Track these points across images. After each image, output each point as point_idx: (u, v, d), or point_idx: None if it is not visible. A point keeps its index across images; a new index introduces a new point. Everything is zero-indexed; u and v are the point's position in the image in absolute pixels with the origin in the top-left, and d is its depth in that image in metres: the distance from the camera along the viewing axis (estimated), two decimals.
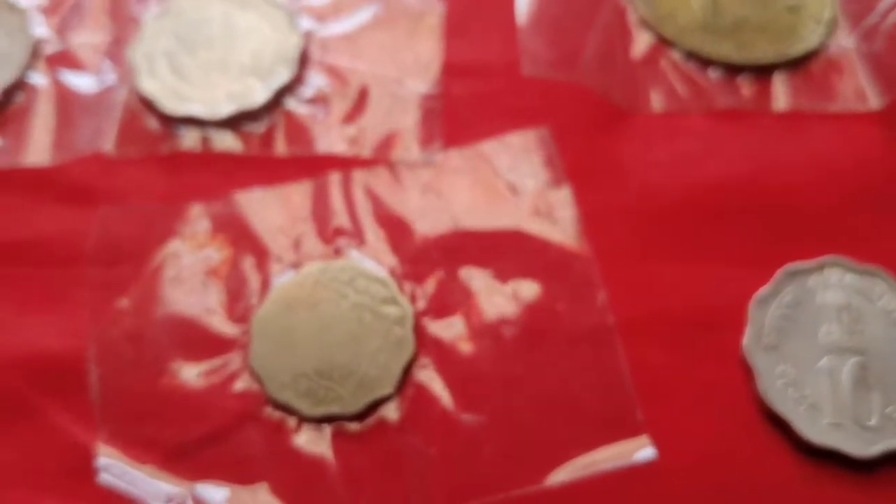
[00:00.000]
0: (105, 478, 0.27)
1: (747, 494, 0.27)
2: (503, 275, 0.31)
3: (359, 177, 0.33)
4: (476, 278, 0.31)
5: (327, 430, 0.28)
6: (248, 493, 0.27)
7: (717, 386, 0.29)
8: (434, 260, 0.31)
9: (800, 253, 0.31)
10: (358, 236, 0.32)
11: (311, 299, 0.30)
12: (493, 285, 0.31)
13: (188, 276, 0.31)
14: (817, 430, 0.28)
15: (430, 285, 0.31)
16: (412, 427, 0.28)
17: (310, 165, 0.34)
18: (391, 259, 0.31)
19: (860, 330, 0.30)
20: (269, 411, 0.29)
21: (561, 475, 0.27)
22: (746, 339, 0.29)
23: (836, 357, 0.29)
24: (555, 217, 0.32)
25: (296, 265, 0.31)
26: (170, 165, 0.34)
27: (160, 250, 0.32)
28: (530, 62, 0.36)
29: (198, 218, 0.32)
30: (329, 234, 0.32)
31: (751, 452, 0.28)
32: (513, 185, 0.33)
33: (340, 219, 0.32)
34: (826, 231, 0.32)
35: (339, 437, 0.28)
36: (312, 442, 0.28)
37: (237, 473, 0.28)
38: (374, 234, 0.32)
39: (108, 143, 0.34)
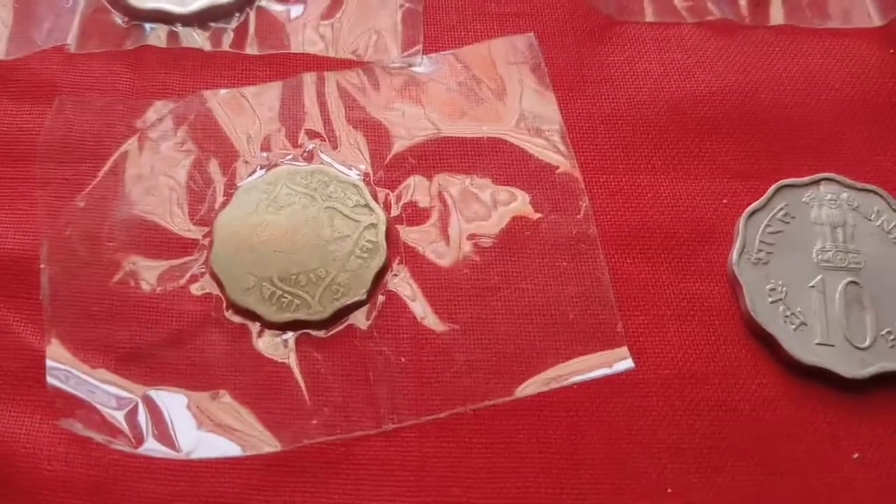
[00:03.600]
0: (53, 382, 0.25)
1: (728, 412, 0.26)
2: (482, 182, 0.29)
3: (333, 78, 0.31)
4: (453, 185, 0.29)
5: (292, 336, 0.26)
6: (207, 399, 0.25)
7: (703, 300, 0.27)
8: (410, 166, 0.29)
9: (792, 169, 0.30)
10: (331, 140, 0.30)
11: (278, 202, 0.28)
12: (470, 193, 0.29)
13: (148, 175, 0.29)
14: (806, 348, 0.26)
15: (405, 192, 0.29)
16: (382, 335, 0.26)
17: (282, 65, 0.32)
18: (365, 164, 0.29)
19: (855, 249, 0.28)
20: (230, 316, 0.27)
21: (533, 386, 0.26)
22: (734, 254, 0.28)
23: (829, 275, 0.27)
24: (539, 127, 0.30)
25: (263, 167, 0.29)
26: (134, 62, 0.32)
27: (119, 147, 0.29)
28: None
29: (161, 115, 0.30)
30: (300, 136, 0.30)
31: (735, 369, 0.26)
32: (495, 92, 0.31)
33: (312, 121, 0.30)
34: (820, 147, 0.30)
35: (304, 344, 0.26)
36: (275, 347, 0.26)
37: (195, 379, 0.26)
38: (347, 137, 0.30)
39: (69, 38, 0.32)
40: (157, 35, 0.32)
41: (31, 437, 0.25)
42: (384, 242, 0.28)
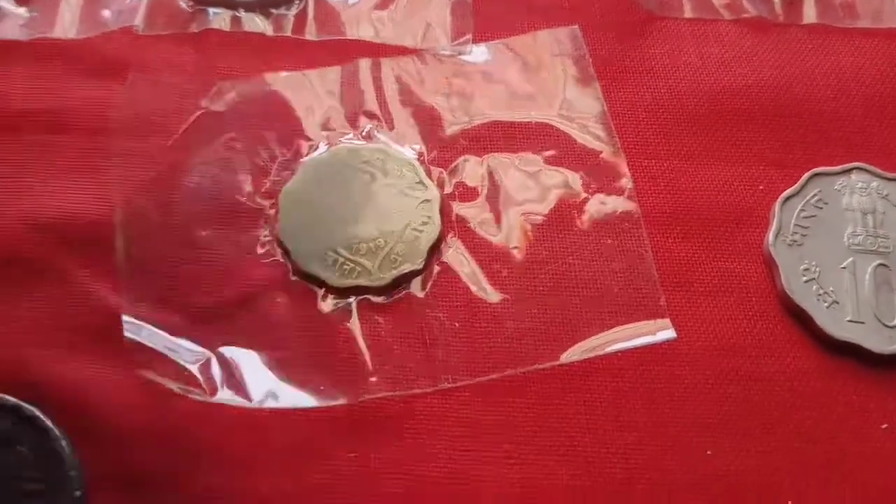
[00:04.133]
0: (130, 336, 0.27)
1: (764, 383, 0.27)
2: (530, 163, 0.31)
3: (388, 64, 0.32)
4: (503, 165, 0.30)
5: (354, 300, 0.28)
6: (279, 355, 0.27)
7: (740, 279, 0.29)
8: (462, 147, 0.31)
9: (825, 159, 0.31)
10: (387, 121, 0.31)
11: (339, 178, 0.30)
12: (519, 172, 0.30)
13: (217, 149, 0.30)
14: (838, 325, 0.27)
15: (458, 170, 0.30)
16: (437, 302, 0.28)
17: (339, 51, 0.33)
18: (419, 144, 0.31)
19: (885, 234, 0.29)
20: (296, 281, 0.28)
21: (578, 353, 0.27)
22: (771, 235, 0.29)
23: (860, 258, 0.29)
24: (582, 114, 0.32)
25: (324, 145, 0.31)
26: (199, 43, 0.33)
27: (186, 122, 0.31)
28: None
29: (225, 93, 0.31)
30: (358, 117, 0.31)
31: (770, 343, 0.28)
32: (542, 80, 0.32)
33: (370, 103, 0.32)
34: (850, 139, 0.32)
35: (365, 308, 0.28)
36: (338, 311, 0.28)
37: (264, 339, 0.27)
38: (403, 120, 0.31)
39: (137, 20, 0.33)
40: (220, 19, 0.34)
41: (113, 389, 0.26)
42: (438, 217, 0.29)
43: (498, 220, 0.29)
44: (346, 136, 0.31)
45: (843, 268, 0.29)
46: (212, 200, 0.29)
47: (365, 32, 0.33)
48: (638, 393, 0.27)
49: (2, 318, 0.27)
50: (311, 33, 0.33)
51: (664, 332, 0.27)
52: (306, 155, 0.30)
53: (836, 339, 0.27)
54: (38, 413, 0.26)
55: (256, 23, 0.33)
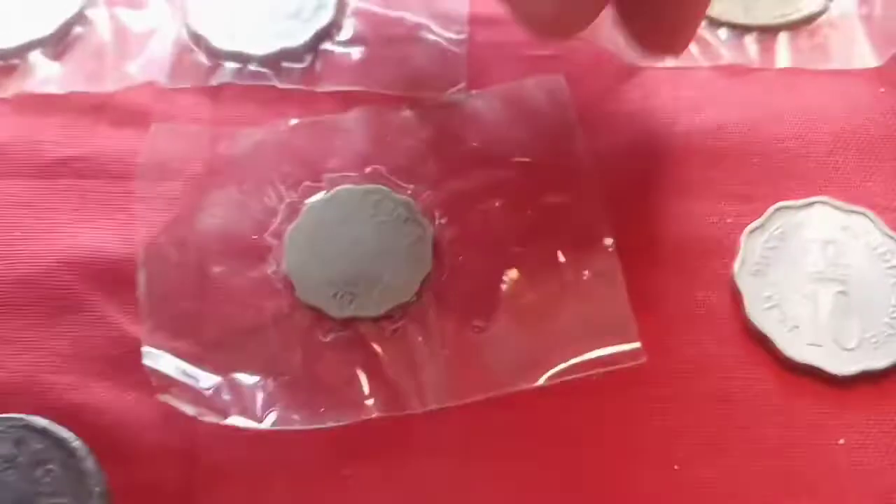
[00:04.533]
0: (148, 364, 0.29)
1: (729, 401, 0.29)
2: (519, 203, 0.33)
3: (385, 112, 0.35)
4: (494, 204, 0.33)
5: (351, 331, 0.30)
6: (284, 382, 0.30)
7: (708, 306, 0.31)
8: (454, 187, 0.33)
9: (788, 193, 0.33)
10: (385, 164, 0.34)
11: (341, 217, 0.32)
12: (508, 211, 0.33)
13: (229, 192, 0.33)
14: (797, 348, 0.29)
15: (450, 209, 0.33)
16: (427, 331, 0.30)
17: (345, 100, 0.36)
18: (414, 184, 0.33)
19: (844, 263, 0.31)
20: (302, 312, 0.31)
21: (554, 375, 0.29)
22: (736, 265, 0.31)
23: (819, 285, 0.31)
24: (566, 158, 0.34)
25: (328, 187, 0.33)
26: (216, 95, 0.36)
27: (205, 167, 0.34)
28: None
29: (239, 140, 0.35)
30: (359, 160, 0.34)
31: (735, 365, 0.30)
32: (527, 125, 0.35)
33: (369, 147, 0.34)
34: (816, 174, 0.34)
35: (362, 338, 0.30)
36: (338, 340, 0.30)
37: (269, 366, 0.30)
38: (399, 162, 0.34)
39: (161, 75, 0.36)
40: (236, 73, 0.37)
41: (134, 411, 0.29)
42: (430, 252, 0.32)
43: (487, 255, 0.32)
44: (348, 178, 0.34)
45: (804, 295, 0.30)
46: (225, 239, 0.32)
47: (367, 84, 0.36)
48: (613, 410, 0.29)
49: (31, 347, 0.30)
50: (319, 85, 0.36)
51: (634, 354, 0.29)
52: (311, 196, 0.33)
53: (797, 362, 0.29)
54: (67, 433, 0.28)
55: (269, 76, 0.36)
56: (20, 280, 0.31)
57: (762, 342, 0.30)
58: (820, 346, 0.29)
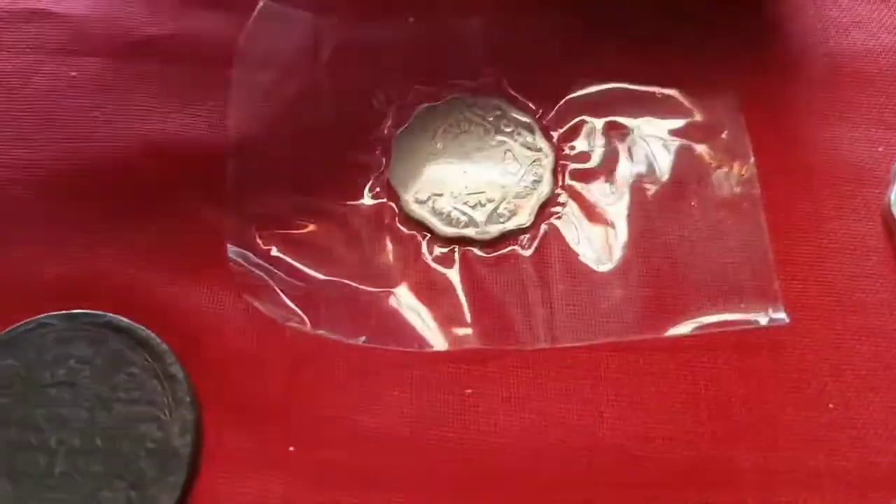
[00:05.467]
0: (234, 262, 0.28)
1: (884, 338, 0.28)
2: (651, 132, 0.31)
3: (510, 21, 0.33)
4: (623, 131, 0.31)
5: (458, 251, 0.29)
6: (382, 295, 0.28)
7: (860, 237, 0.30)
8: (581, 109, 0.31)
9: None
10: (508, 77, 0.32)
11: (455, 128, 0.30)
12: (639, 140, 0.31)
13: (331, 92, 0.31)
14: None
15: (575, 131, 0.31)
16: (542, 262, 0.29)
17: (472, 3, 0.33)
18: (539, 102, 0.31)
19: None
20: (403, 226, 0.29)
21: (684, 328, 0.28)
22: (892, 196, 0.30)
23: None
24: (708, 89, 0.32)
25: (443, 94, 0.31)
26: None
27: (314, 61, 0.32)
28: None
29: (355, 32, 0.32)
30: (480, 70, 0.32)
31: (889, 300, 0.29)
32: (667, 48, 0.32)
33: (493, 57, 0.32)
34: None
35: (468, 259, 0.29)
36: (442, 259, 0.29)
37: (367, 277, 0.28)
38: (524, 77, 0.32)
39: None
40: None
41: (221, 313, 0.28)
42: (550, 177, 0.30)
43: (611, 185, 0.30)
44: (466, 87, 0.31)
45: None
46: (327, 138, 0.30)
47: None
48: (762, 345, 0.28)
49: (111, 240, 0.29)
50: None
51: (777, 314, 0.28)
52: (423, 103, 0.31)
53: None
54: (152, 335, 0.27)
55: None
56: (100, 166, 0.30)
57: None
58: None
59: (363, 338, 0.27)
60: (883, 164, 0.31)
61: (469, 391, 0.27)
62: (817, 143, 0.31)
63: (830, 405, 0.27)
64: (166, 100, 0.31)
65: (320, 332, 0.27)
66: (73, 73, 0.31)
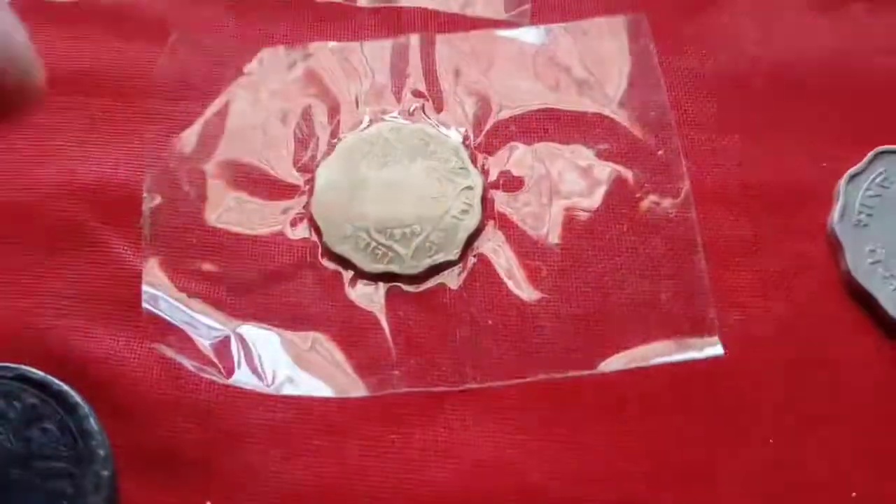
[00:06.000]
0: (148, 307, 0.27)
1: (827, 368, 0.27)
2: (582, 156, 0.30)
3: (441, 41, 0.32)
4: (553, 156, 0.30)
5: (382, 287, 0.28)
6: (298, 339, 0.27)
7: (803, 259, 0.29)
8: (511, 133, 0.30)
9: (887, 137, 0.30)
10: (435, 101, 0.31)
11: (379, 157, 0.30)
12: (570, 165, 0.30)
13: (254, 120, 0.30)
14: None
15: (504, 158, 0.30)
16: (471, 296, 0.28)
17: (391, 19, 0.33)
18: (466, 127, 0.31)
19: None
20: (326, 262, 0.28)
21: (617, 363, 0.27)
22: (835, 215, 0.29)
23: None
24: (644, 108, 0.31)
25: (368, 122, 0.31)
26: (244, 8, 0.33)
27: (227, 89, 0.31)
28: None
29: (268, 62, 0.31)
30: (404, 95, 0.31)
31: (833, 327, 0.28)
32: (602, 69, 0.31)
33: (418, 81, 0.31)
34: None
35: (394, 296, 0.28)
36: (367, 297, 0.28)
37: (287, 319, 0.27)
38: (451, 101, 0.31)
39: None
40: None
41: (136, 362, 0.27)
42: (479, 206, 0.29)
43: (542, 212, 0.29)
44: (391, 114, 0.31)
45: None
46: (245, 172, 0.30)
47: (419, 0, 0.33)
48: (698, 378, 0.27)
49: (26, 288, 0.28)
50: (363, 0, 0.33)
51: (711, 348, 0.27)
52: (348, 130, 0.30)
53: None
54: (65, 388, 0.26)
55: None
56: (15, 210, 0.29)
57: (865, 302, 0.28)
58: None
59: (278, 386, 0.26)
60: (826, 180, 0.30)
61: (394, 437, 0.26)
62: (758, 161, 0.30)
63: (770, 440, 0.26)
64: (86, 135, 0.30)
65: (234, 382, 0.26)
66: None
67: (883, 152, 0.30)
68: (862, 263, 0.28)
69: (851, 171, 0.29)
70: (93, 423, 0.26)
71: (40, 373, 0.26)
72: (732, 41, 0.32)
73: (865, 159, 0.30)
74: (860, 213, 0.29)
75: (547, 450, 0.26)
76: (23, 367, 0.26)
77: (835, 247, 0.29)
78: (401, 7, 0.33)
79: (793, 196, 0.30)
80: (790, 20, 0.33)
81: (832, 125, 0.31)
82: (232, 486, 0.25)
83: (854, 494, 0.26)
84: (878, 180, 0.29)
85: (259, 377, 0.26)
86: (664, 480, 0.26)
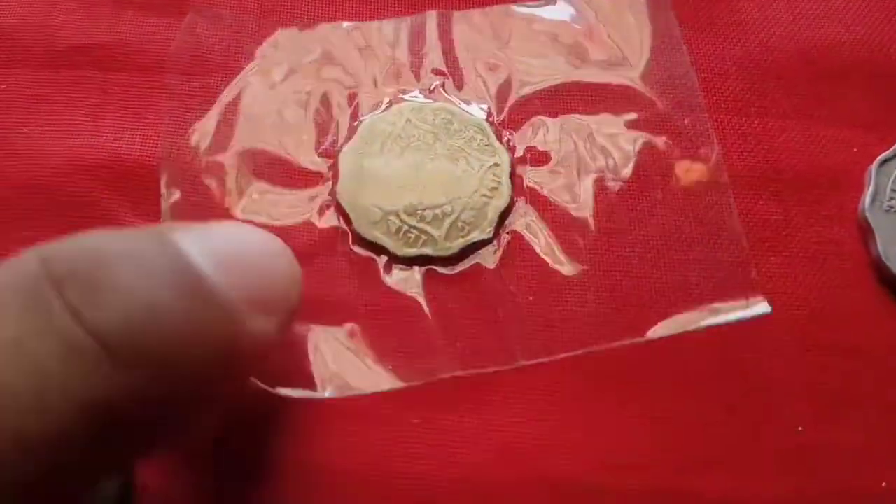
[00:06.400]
0: None
1: (857, 355, 0.27)
2: (608, 126, 0.30)
3: (458, 18, 0.32)
4: (579, 128, 0.30)
5: (418, 271, 0.27)
6: (337, 333, 0.26)
7: (833, 244, 0.29)
8: (535, 108, 0.30)
9: None
10: (455, 78, 0.31)
11: (402, 138, 0.29)
12: (596, 136, 0.30)
13: (272, 105, 0.30)
14: None
15: (529, 133, 0.30)
16: (509, 274, 0.28)
17: None
18: (489, 104, 0.30)
19: None
20: (358, 249, 0.28)
21: (665, 328, 0.27)
22: (867, 200, 0.29)
23: None
24: (668, 76, 0.31)
25: (387, 102, 0.30)
26: None
27: (247, 65, 0.30)
28: None
29: (284, 44, 0.31)
30: (424, 73, 0.31)
31: (865, 313, 0.28)
32: (623, 39, 0.31)
33: (437, 59, 0.31)
34: None
35: (431, 280, 0.27)
36: (403, 282, 0.27)
37: (324, 311, 0.27)
38: (472, 77, 0.31)
39: None
40: None
41: None
42: (508, 182, 0.29)
43: (573, 185, 0.29)
44: (411, 94, 0.30)
45: None
46: (266, 161, 0.29)
47: None
48: (730, 365, 0.27)
49: None
50: None
51: (758, 306, 0.27)
52: (368, 112, 0.30)
53: None
54: None
55: None
56: (27, 185, 0.28)
57: (894, 286, 0.28)
58: None
59: (325, 389, 0.25)
60: (858, 165, 0.30)
61: (416, 421, 0.26)
62: (788, 145, 0.30)
63: (799, 428, 0.26)
64: (101, 111, 0.30)
65: (280, 391, 0.25)
66: (3, 86, 0.30)
67: None
68: (893, 249, 0.28)
69: (882, 156, 0.29)
70: None
71: None
72: (763, 24, 0.32)
73: None
74: (891, 198, 0.29)
75: (572, 435, 0.26)
76: None
77: (865, 232, 0.29)
78: None
79: (824, 181, 0.30)
80: (822, 4, 0.33)
81: (863, 110, 0.31)
82: (247, 473, 0.25)
83: (884, 484, 0.26)
84: None
85: (304, 382, 0.25)
86: (694, 467, 0.25)
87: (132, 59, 0.30)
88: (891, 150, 0.30)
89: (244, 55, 0.30)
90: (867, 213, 0.29)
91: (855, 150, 0.30)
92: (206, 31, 0.31)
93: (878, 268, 0.28)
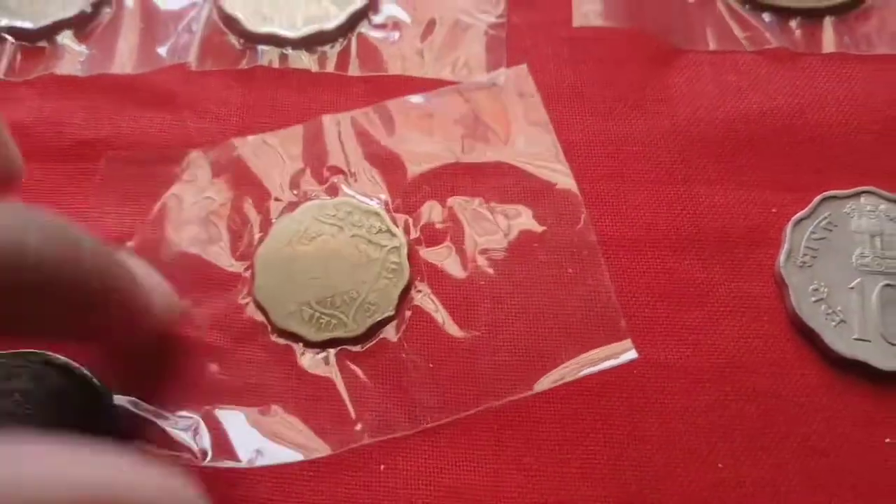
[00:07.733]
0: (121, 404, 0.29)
1: (774, 398, 0.29)
2: (490, 202, 0.32)
3: (348, 119, 0.35)
4: (465, 206, 0.33)
5: (331, 352, 0.30)
6: (260, 414, 0.29)
7: (752, 299, 0.31)
8: (424, 192, 0.33)
9: (836, 182, 0.33)
10: (351, 175, 0.34)
11: (309, 234, 0.32)
12: (480, 212, 0.32)
13: (191, 219, 0.33)
14: (845, 343, 0.29)
15: (422, 216, 0.33)
16: (411, 345, 0.30)
17: (378, 85, 0.36)
18: (384, 193, 0.33)
19: (892, 255, 0.31)
20: (276, 339, 0.30)
21: (549, 381, 0.29)
22: (782, 257, 0.31)
23: (867, 278, 0.30)
24: (535, 149, 0.33)
25: (294, 203, 0.33)
26: (247, 79, 0.37)
27: (166, 192, 0.33)
28: (582, 17, 0.38)
29: (197, 163, 0.34)
30: (323, 173, 0.34)
31: (781, 361, 0.30)
32: (495, 121, 0.34)
33: (334, 159, 0.34)
34: (860, 163, 0.34)
35: (343, 359, 0.30)
36: (318, 364, 0.30)
37: (248, 397, 0.29)
38: (366, 171, 0.34)
39: (190, 56, 0.38)
40: (268, 57, 0.38)
41: None
42: (406, 263, 0.31)
43: (463, 259, 0.32)
44: (314, 193, 0.34)
45: (851, 288, 0.30)
46: (190, 267, 0.32)
47: (404, 68, 0.36)
48: (652, 408, 0.28)
49: None
50: (353, 69, 0.37)
51: (627, 353, 0.29)
52: (277, 215, 0.33)
53: (844, 357, 0.29)
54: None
55: (302, 60, 0.37)
56: None
57: (809, 336, 0.30)
58: (868, 340, 0.29)
59: (250, 460, 0.27)
60: (776, 225, 0.32)
61: (382, 466, 0.27)
62: (712, 207, 0.33)
63: (720, 465, 0.28)
64: (102, 200, 0.33)
65: (209, 463, 0.27)
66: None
67: (828, 198, 0.32)
68: (806, 302, 0.30)
69: (798, 215, 0.32)
70: None
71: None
72: (691, 98, 0.35)
73: (811, 204, 0.32)
74: (805, 254, 0.31)
75: (496, 474, 0.27)
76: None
77: (781, 287, 0.31)
78: (386, 75, 0.36)
79: (744, 241, 0.32)
80: (746, 74, 0.35)
81: (783, 173, 0.33)
82: None
83: None
84: (822, 224, 0.31)
85: (231, 455, 0.28)
86: (625, 500, 0.27)
87: (128, 151, 0.34)
88: (805, 209, 0.32)
89: (161, 183, 0.33)
90: (782, 269, 0.30)
91: (774, 210, 0.32)
92: (125, 167, 0.33)
93: (793, 320, 0.30)
